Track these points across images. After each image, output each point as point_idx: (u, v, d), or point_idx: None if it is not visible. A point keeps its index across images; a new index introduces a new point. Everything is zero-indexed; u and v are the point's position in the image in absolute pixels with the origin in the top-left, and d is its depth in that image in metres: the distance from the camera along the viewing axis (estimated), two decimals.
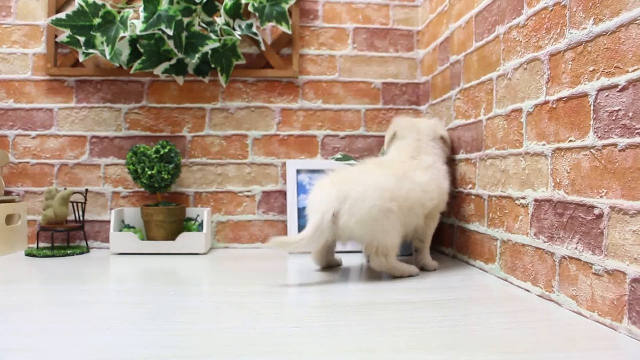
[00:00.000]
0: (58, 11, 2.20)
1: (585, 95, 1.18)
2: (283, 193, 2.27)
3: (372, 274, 1.68)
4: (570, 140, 1.23)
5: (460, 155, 1.89)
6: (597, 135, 1.14)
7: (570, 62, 1.23)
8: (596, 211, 1.14)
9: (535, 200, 1.38)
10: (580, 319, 1.17)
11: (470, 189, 1.80)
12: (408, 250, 2.01)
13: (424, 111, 2.30)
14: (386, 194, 1.57)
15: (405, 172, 1.68)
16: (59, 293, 1.43)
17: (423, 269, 1.76)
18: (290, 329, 1.13)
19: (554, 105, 1.30)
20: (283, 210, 2.26)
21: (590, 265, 1.16)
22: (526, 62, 1.43)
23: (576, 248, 1.21)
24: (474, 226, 1.77)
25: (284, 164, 2.27)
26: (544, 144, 1.34)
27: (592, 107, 1.15)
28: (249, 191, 2.27)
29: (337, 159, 2.07)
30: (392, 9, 2.33)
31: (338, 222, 1.54)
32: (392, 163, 1.75)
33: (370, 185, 1.57)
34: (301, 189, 2.21)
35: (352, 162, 1.96)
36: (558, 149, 1.28)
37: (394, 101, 2.33)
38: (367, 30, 2.33)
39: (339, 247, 1.82)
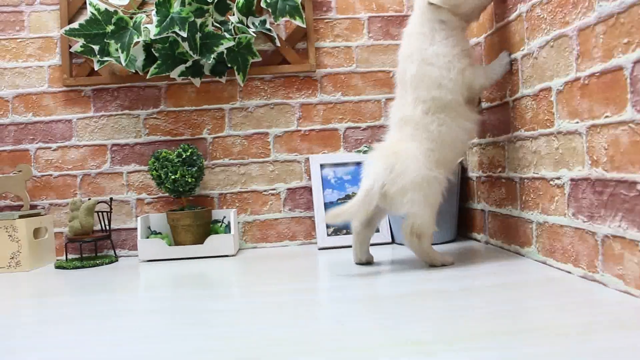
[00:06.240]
0: (70, 21, 2.18)
1: (620, 68, 1.14)
2: (308, 189, 2.25)
3: (404, 266, 1.65)
4: (606, 116, 1.20)
5: (487, 139, 1.85)
6: (635, 109, 1.10)
7: (601, 36, 1.20)
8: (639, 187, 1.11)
9: (572, 179, 1.35)
10: (628, 298, 1.14)
11: (500, 172, 1.77)
12: (444, 239, 1.98)
13: None
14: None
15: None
16: (95, 304, 1.42)
17: None
18: (332, 326, 1.11)
19: (586, 82, 1.26)
20: (309, 206, 2.24)
21: (636, 242, 1.12)
22: (553, 39, 1.40)
23: (619, 226, 1.18)
24: (506, 210, 1.74)
25: (307, 160, 2.25)
26: (577, 122, 1.31)
27: (628, 81, 1.12)
28: (273, 189, 2.25)
29: (364, 152, 2.04)
30: None
31: (383, 190, 1.55)
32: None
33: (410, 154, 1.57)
34: (326, 183, 2.19)
35: None
36: (593, 125, 1.25)
37: None
38: (381, 19, 2.30)
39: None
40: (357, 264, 1.72)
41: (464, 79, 1.58)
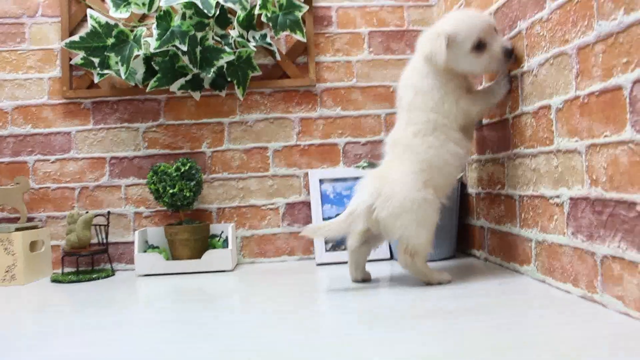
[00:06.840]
0: (71, 34, 2.19)
1: (619, 88, 1.13)
2: (307, 204, 2.23)
3: (403, 284, 1.64)
4: (606, 136, 1.19)
5: (487, 155, 1.84)
6: (635, 129, 1.09)
7: (600, 55, 1.19)
8: (639, 208, 1.09)
9: (571, 198, 1.34)
10: (628, 319, 1.13)
11: (499, 189, 1.76)
12: (443, 255, 1.97)
13: None
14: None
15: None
16: (90, 316, 1.42)
17: None
18: (332, 341, 1.11)
19: (586, 100, 1.25)
20: (308, 221, 2.23)
21: (635, 264, 1.11)
22: (552, 57, 1.39)
23: (619, 247, 1.16)
24: (505, 227, 1.73)
25: (306, 175, 2.24)
26: (576, 140, 1.30)
27: (627, 100, 1.11)
28: (272, 204, 2.24)
29: (364, 167, 2.03)
30: (407, 10, 2.30)
31: (373, 215, 1.55)
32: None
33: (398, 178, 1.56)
34: (325, 198, 2.17)
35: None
36: (593, 144, 1.24)
37: None
38: (382, 34, 2.29)
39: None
40: (353, 281, 1.71)
41: (458, 108, 1.59)
